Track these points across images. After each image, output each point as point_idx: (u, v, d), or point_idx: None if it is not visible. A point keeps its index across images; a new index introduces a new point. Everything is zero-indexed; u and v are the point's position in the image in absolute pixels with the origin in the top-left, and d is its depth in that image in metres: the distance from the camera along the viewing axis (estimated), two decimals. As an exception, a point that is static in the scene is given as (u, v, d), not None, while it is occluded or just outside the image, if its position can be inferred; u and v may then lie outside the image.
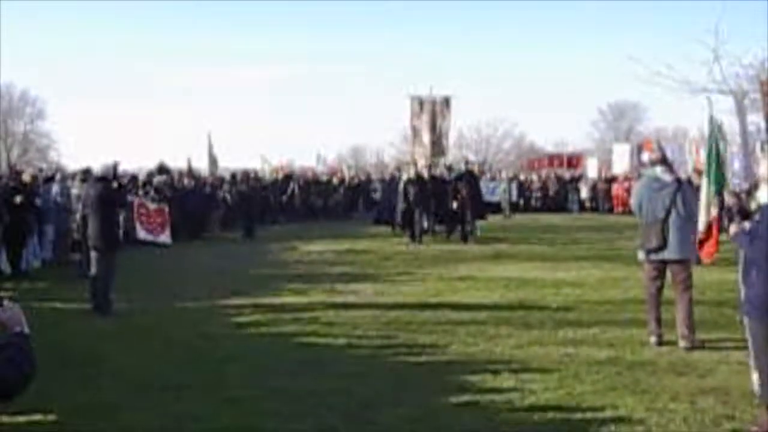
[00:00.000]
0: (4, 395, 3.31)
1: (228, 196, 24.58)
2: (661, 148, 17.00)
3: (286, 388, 6.61)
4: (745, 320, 5.68)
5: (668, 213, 7.96)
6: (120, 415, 5.92)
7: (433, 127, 23.69)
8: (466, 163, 22.66)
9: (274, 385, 6.68)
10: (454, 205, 19.61)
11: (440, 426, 5.55)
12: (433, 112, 23.62)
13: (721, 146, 8.66)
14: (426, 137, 23.71)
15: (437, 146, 23.93)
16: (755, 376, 5.70)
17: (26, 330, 3.50)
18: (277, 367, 7.31)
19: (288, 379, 6.89)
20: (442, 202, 20.15)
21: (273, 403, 6.17)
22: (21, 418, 5.60)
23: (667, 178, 8.14)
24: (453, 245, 18.88)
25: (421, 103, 23.74)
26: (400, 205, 20.45)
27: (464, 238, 19.31)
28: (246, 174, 25.90)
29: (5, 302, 3.55)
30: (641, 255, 8.29)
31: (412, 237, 19.43)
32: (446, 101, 24.03)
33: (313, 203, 29.57)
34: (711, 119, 8.64)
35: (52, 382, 6.15)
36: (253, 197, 23.74)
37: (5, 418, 5.47)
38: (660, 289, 8.19)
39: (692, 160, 21.48)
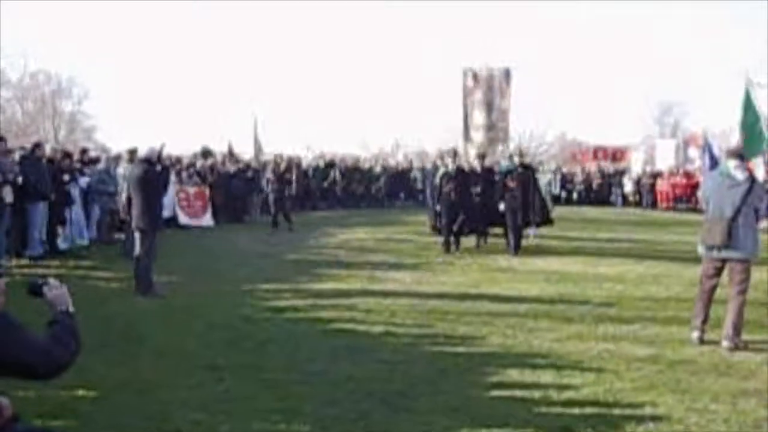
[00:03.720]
0: (50, 372, 3.38)
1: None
2: (708, 144, 16.79)
3: (323, 372, 6.65)
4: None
5: (737, 212, 7.72)
6: (160, 393, 6.00)
7: (489, 107, 19.95)
8: (520, 154, 16.67)
9: (312, 370, 6.73)
10: (501, 206, 15.44)
11: (476, 416, 5.53)
12: (490, 88, 19.92)
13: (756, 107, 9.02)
14: (480, 119, 20.01)
15: (494, 131, 20.17)
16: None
17: (71, 308, 3.58)
18: (316, 352, 7.35)
19: (326, 364, 6.94)
20: (491, 202, 15.80)
21: (311, 388, 6.21)
22: (63, 393, 5.73)
23: (740, 176, 7.85)
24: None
25: (476, 77, 19.98)
26: (435, 205, 16.42)
27: (512, 246, 15.25)
28: (284, 160, 22.74)
29: (51, 281, 3.63)
30: (701, 249, 8.11)
31: (447, 245, 15.42)
32: (506, 74, 20.09)
33: (355, 190, 29.68)
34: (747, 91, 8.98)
35: (94, 359, 6.28)
36: (281, 185, 20.41)
37: (49, 392, 5.62)
38: (714, 287, 8.02)
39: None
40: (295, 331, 8.25)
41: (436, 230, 16.45)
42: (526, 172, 15.84)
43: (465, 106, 20.26)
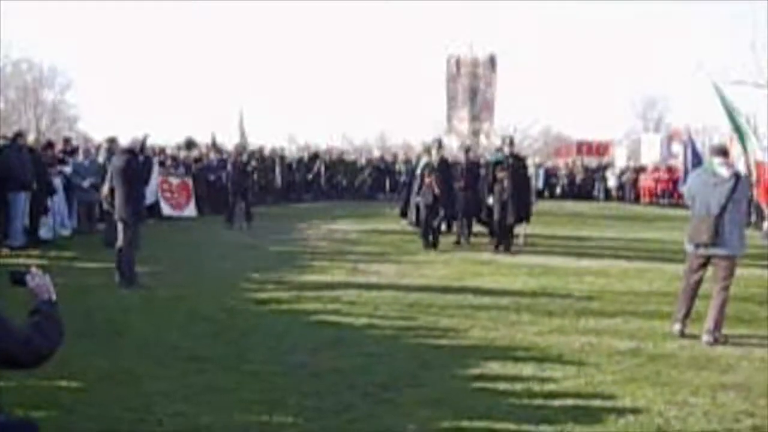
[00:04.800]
0: (32, 361, 3.38)
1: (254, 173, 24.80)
2: (691, 140, 16.86)
3: (306, 364, 6.66)
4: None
5: (723, 209, 7.76)
6: (142, 384, 5.99)
7: (474, 96, 19.02)
8: (510, 143, 14.97)
9: (295, 362, 6.73)
10: (490, 200, 14.60)
11: (459, 408, 5.56)
12: (474, 75, 19.03)
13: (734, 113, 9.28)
14: (464, 109, 19.10)
15: (478, 121, 19.20)
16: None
17: (54, 298, 3.57)
18: (298, 344, 7.35)
19: (309, 356, 6.95)
20: (476, 196, 15.22)
21: (293, 379, 6.22)
22: (45, 383, 5.71)
23: (725, 173, 7.89)
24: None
25: (459, 63, 19.12)
26: (415, 198, 15.43)
27: (497, 245, 14.42)
28: (245, 150, 21.01)
29: (33, 270, 3.62)
30: (689, 247, 8.17)
31: (425, 240, 14.67)
32: (491, 61, 19.14)
33: (339, 183, 29.68)
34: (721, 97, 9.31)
35: (75, 350, 6.25)
36: (241, 176, 18.90)
37: (31, 382, 5.61)
38: (699, 282, 8.10)
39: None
40: (278, 323, 8.25)
41: (411, 224, 15.85)
42: (518, 163, 14.82)
43: (448, 95, 19.40)
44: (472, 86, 18.98)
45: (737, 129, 10.02)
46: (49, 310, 3.53)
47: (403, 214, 16.68)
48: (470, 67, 18.96)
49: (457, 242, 15.43)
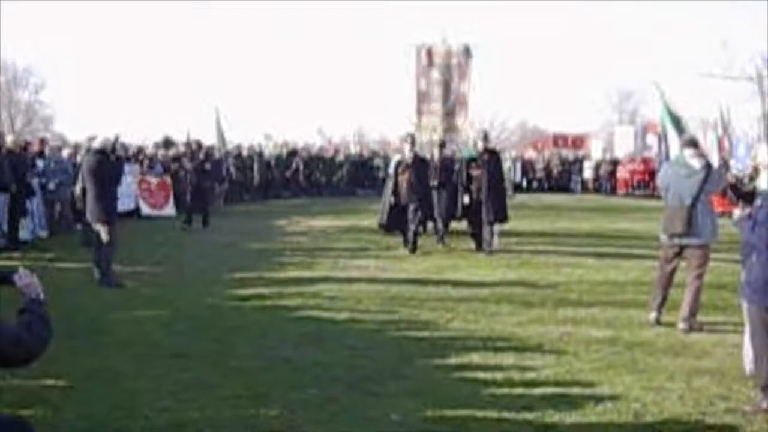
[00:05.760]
0: (22, 359, 3.44)
1: (233, 170, 24.87)
2: (665, 132, 17.08)
3: (290, 359, 6.74)
4: (744, 303, 5.80)
5: (695, 200, 7.92)
6: (127, 382, 6.05)
7: (447, 89, 17.51)
8: (485, 138, 14.23)
9: (279, 356, 6.81)
10: (466, 199, 13.93)
11: (440, 399, 5.66)
12: (447, 66, 17.49)
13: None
14: (436, 103, 17.56)
15: (452, 117, 17.65)
16: (750, 358, 5.84)
17: (42, 297, 3.63)
18: (282, 339, 7.43)
19: (292, 350, 7.02)
20: (450, 195, 14.46)
21: (278, 373, 6.30)
22: (32, 383, 5.75)
23: (696, 164, 8.04)
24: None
25: (430, 54, 17.54)
26: (388, 198, 14.52)
27: (479, 245, 13.81)
28: (202, 147, 20.05)
29: (21, 270, 3.68)
30: (664, 237, 8.33)
31: (405, 241, 13.88)
32: (466, 51, 17.53)
33: (317, 179, 29.72)
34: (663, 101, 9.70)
35: (60, 349, 6.26)
36: (200, 175, 18.05)
37: (17, 382, 5.65)
38: (674, 271, 8.26)
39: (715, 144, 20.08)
40: (260, 319, 8.33)
41: (384, 227, 14.88)
42: (493, 159, 13.91)
43: (418, 89, 17.71)
44: (445, 79, 17.56)
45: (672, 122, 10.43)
46: (38, 309, 3.59)
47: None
48: (443, 59, 17.56)
49: (439, 241, 14.66)
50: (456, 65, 17.48)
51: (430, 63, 17.51)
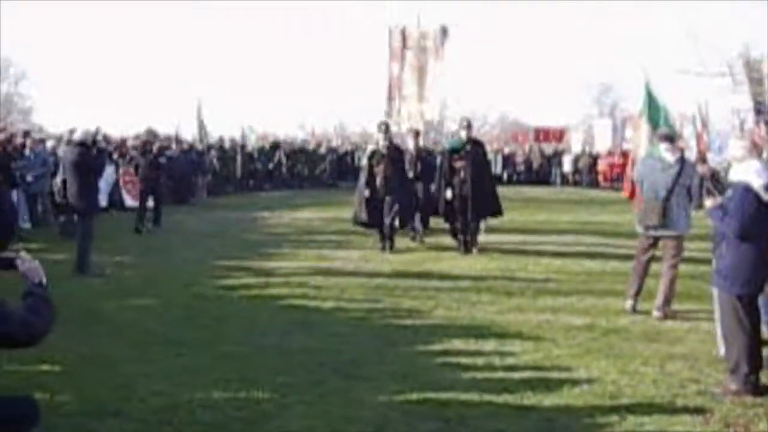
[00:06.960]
0: (28, 341, 3.62)
1: (215, 163, 25.01)
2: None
3: (278, 345, 6.94)
4: (714, 291, 6.05)
5: (670, 193, 8.16)
6: (122, 367, 6.23)
7: (422, 73, 16.63)
8: (468, 127, 12.86)
9: (267, 343, 7.01)
10: (448, 194, 12.61)
11: (424, 382, 5.87)
12: (422, 49, 16.61)
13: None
14: (410, 88, 16.67)
15: (427, 101, 16.78)
16: (721, 344, 6.11)
17: (44, 280, 3.81)
18: (269, 327, 7.63)
19: (279, 337, 7.22)
20: (429, 188, 13.78)
21: (267, 359, 6.50)
22: (28, 368, 5.92)
23: (671, 158, 8.27)
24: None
25: (404, 36, 16.64)
26: (362, 191, 13.20)
27: (465, 245, 12.65)
28: (157, 140, 18.61)
29: (23, 254, 3.85)
30: (640, 229, 8.60)
31: (382, 239, 13.03)
32: (443, 32, 16.66)
33: (300, 172, 29.83)
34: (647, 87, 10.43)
35: (54, 335, 6.34)
36: (152, 171, 16.38)
37: (12, 367, 5.82)
38: (649, 261, 8.52)
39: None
40: (248, 308, 8.52)
41: (360, 223, 13.54)
42: (477, 149, 12.90)
43: (390, 73, 16.77)
44: (419, 63, 16.62)
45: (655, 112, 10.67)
46: (41, 293, 3.77)
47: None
48: (417, 41, 16.66)
49: (414, 239, 13.99)
50: (432, 47, 16.64)
51: (404, 46, 16.65)
